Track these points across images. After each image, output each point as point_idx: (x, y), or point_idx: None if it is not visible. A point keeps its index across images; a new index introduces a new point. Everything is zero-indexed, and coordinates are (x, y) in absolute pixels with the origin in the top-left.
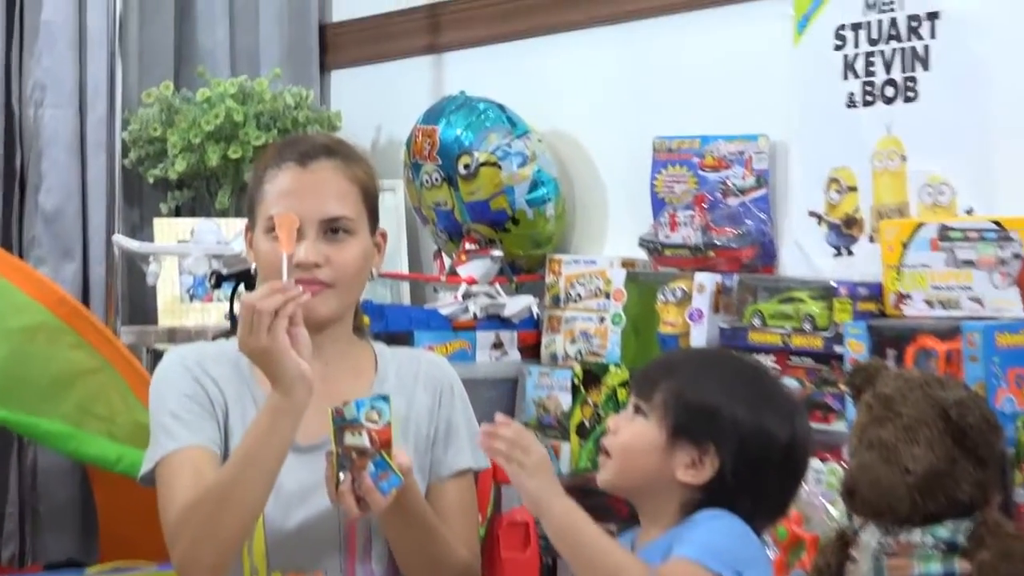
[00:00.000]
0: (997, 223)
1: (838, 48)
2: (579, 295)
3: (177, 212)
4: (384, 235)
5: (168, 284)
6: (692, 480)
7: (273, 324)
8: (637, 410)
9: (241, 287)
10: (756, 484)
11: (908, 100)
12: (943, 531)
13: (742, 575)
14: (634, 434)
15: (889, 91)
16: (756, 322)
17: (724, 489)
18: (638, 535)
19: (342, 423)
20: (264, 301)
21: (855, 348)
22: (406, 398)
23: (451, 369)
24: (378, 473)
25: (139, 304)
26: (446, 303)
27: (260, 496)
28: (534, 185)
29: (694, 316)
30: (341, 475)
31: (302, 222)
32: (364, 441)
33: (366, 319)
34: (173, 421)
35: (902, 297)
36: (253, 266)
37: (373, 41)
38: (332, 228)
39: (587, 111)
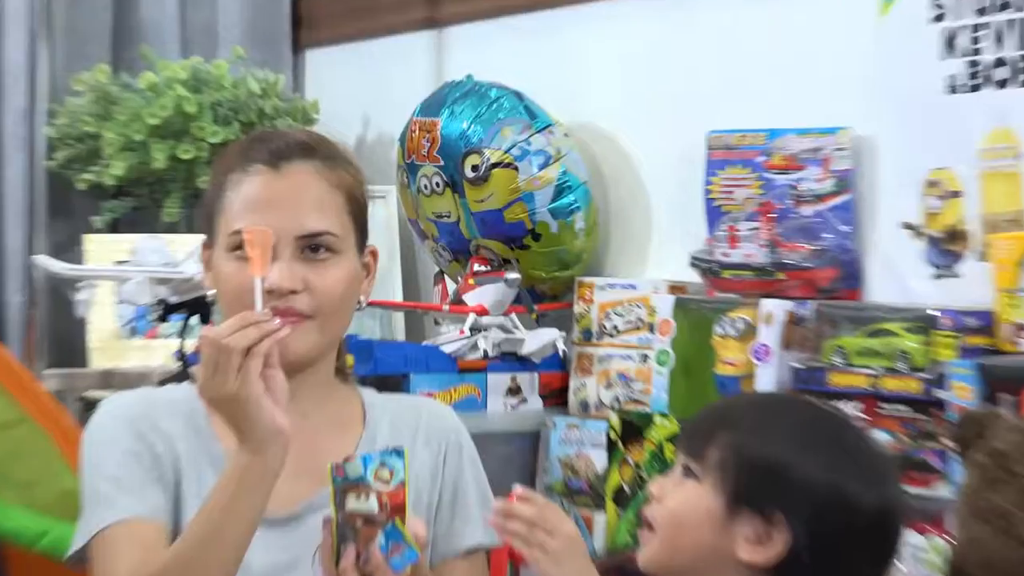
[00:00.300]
0: None
1: (936, 19)
2: (616, 328)
3: (114, 227)
4: (375, 254)
5: (103, 316)
6: (757, 559)
7: (244, 365)
8: (687, 471)
9: (194, 319)
10: (837, 563)
11: None
12: None
13: None
14: (684, 501)
15: (1000, 72)
16: (838, 360)
17: (797, 570)
18: None
19: (345, 483)
20: (233, 337)
21: (961, 393)
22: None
23: (458, 421)
24: (390, 545)
25: (66, 342)
26: (450, 338)
27: (243, 543)
28: (559, 191)
29: (760, 353)
30: (343, 548)
31: (276, 239)
32: (372, 506)
33: (351, 359)
34: (112, 487)
35: (1020, 328)
36: (211, 293)
37: (358, 14)
38: (311, 246)
39: (625, 99)
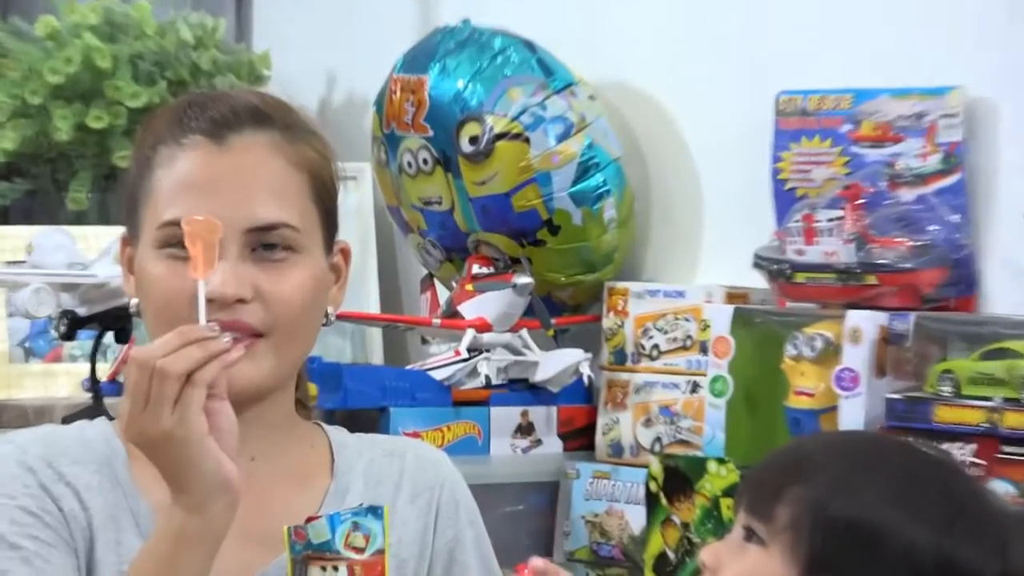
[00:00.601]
0: None
1: None
2: (657, 348)
3: (4, 217)
4: (346, 253)
5: None
6: None
7: (183, 396)
8: (749, 534)
9: (109, 336)
10: None
11: None
12: None
13: None
14: (747, 573)
15: None
16: (946, 389)
17: None
18: None
19: (307, 552)
20: (170, 359)
21: None
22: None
23: (453, 470)
24: None
25: None
26: (442, 361)
27: None
28: (584, 170)
29: (845, 381)
30: None
31: (222, 232)
32: None
33: (314, 388)
34: (7, 553)
35: None
36: (132, 303)
37: None
38: (265, 243)
39: (668, 50)
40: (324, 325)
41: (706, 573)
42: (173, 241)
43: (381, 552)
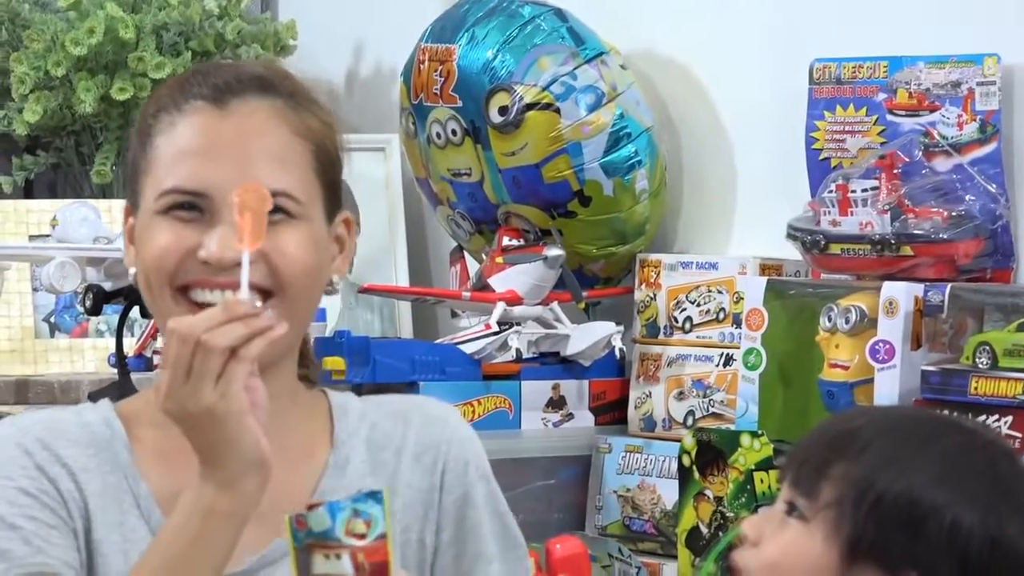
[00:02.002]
0: None
1: None
2: (690, 320)
3: (28, 190)
4: (349, 223)
5: (15, 307)
6: None
7: (228, 371)
8: (791, 509)
9: (135, 310)
10: None
11: None
12: None
13: None
14: (787, 548)
15: None
16: (983, 362)
17: None
18: None
19: (309, 540)
20: (214, 333)
21: None
22: (386, 480)
23: (467, 430)
24: None
25: None
26: (472, 335)
27: None
28: (615, 141)
29: (880, 353)
30: None
31: (214, 194)
32: (345, 568)
33: (340, 362)
34: (8, 533)
35: None
36: (131, 272)
37: None
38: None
39: (700, 20)
40: (328, 293)
41: (747, 545)
42: (174, 206)
43: (383, 537)
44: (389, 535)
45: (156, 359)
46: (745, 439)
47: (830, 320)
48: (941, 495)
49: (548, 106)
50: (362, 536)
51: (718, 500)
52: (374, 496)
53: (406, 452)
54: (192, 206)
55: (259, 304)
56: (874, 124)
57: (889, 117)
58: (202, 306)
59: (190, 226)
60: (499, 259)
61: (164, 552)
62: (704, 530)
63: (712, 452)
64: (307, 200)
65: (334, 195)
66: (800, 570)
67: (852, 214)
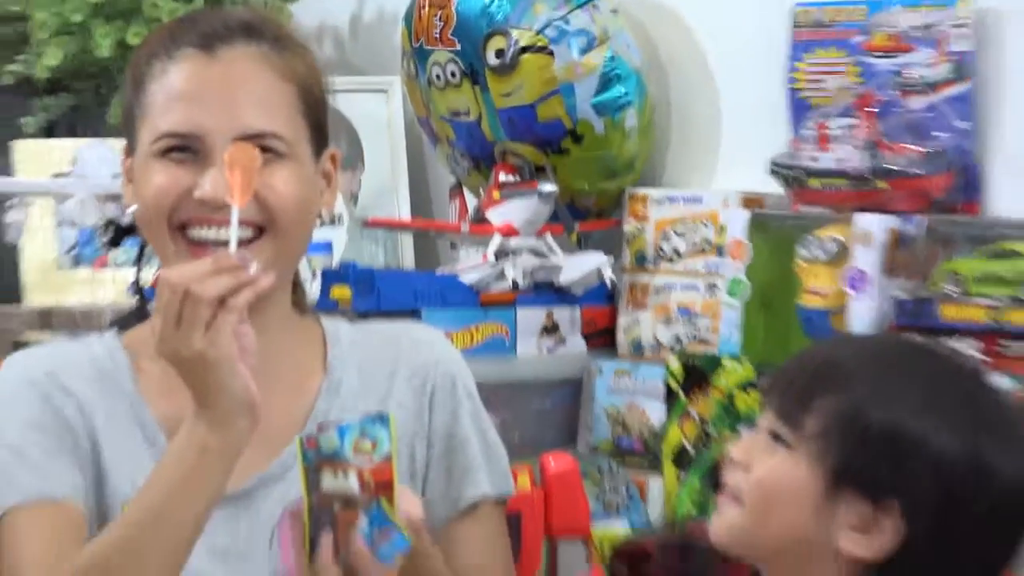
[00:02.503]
0: None
1: None
2: (677, 251)
3: (50, 130)
4: (335, 158)
5: (39, 242)
6: (860, 551)
7: (217, 321)
8: (777, 437)
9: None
10: (959, 557)
11: None
12: None
13: None
14: (775, 473)
15: None
16: (952, 289)
17: (910, 567)
18: None
19: (318, 459)
20: (204, 284)
21: None
22: (378, 397)
23: (452, 351)
24: (375, 532)
25: None
26: (470, 266)
27: (171, 572)
28: (606, 82)
29: (855, 281)
30: (318, 537)
31: (207, 136)
32: (352, 485)
33: (343, 290)
34: (15, 461)
35: None
36: (130, 209)
37: None
38: (256, 143)
39: None
40: (318, 227)
41: (736, 468)
42: (168, 148)
43: (388, 458)
44: (394, 456)
45: None
46: (728, 362)
47: (809, 250)
48: (925, 426)
49: (542, 49)
50: (368, 456)
51: (702, 419)
52: (381, 419)
53: (397, 374)
54: (185, 148)
55: (247, 258)
56: (852, 65)
57: (866, 59)
58: (199, 243)
59: (184, 167)
60: (496, 194)
61: (160, 484)
62: (689, 447)
63: (696, 374)
64: (294, 139)
65: (320, 133)
66: (786, 494)
67: (830, 150)
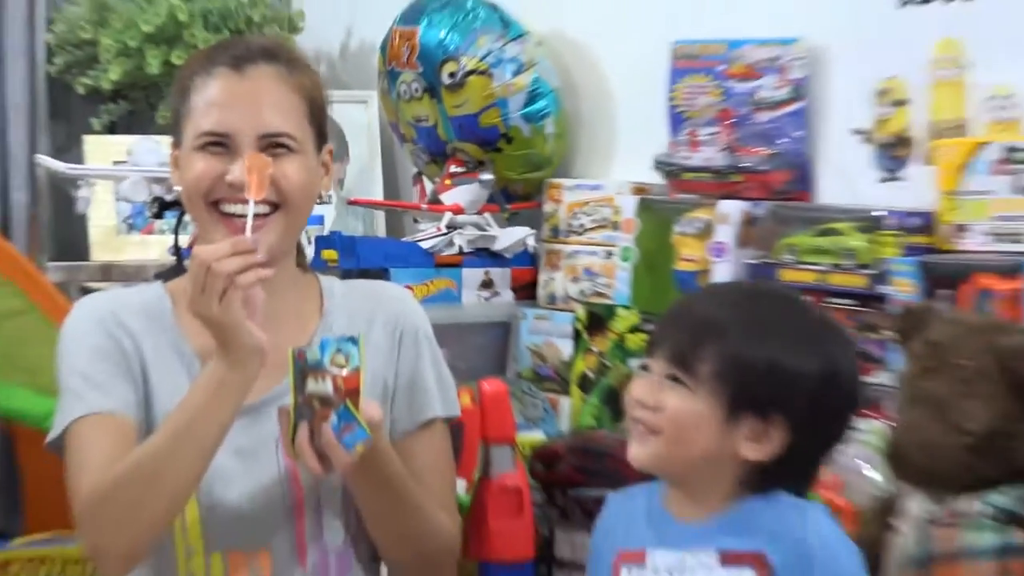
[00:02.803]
0: None
1: None
2: (583, 226)
3: (112, 128)
4: (331, 152)
5: (102, 213)
6: (757, 456)
7: (228, 294)
8: (675, 380)
9: (188, 216)
10: (828, 440)
11: None
12: (1000, 499)
13: None
14: (683, 409)
15: None
16: (788, 258)
17: (794, 456)
18: (666, 504)
19: (304, 368)
20: (221, 263)
21: (903, 288)
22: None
23: (417, 306)
24: (341, 425)
25: (68, 237)
26: (427, 235)
27: (193, 477)
28: (531, 97)
29: (717, 251)
30: (299, 426)
31: (236, 135)
32: (328, 388)
33: (331, 253)
34: (82, 383)
35: (959, 229)
36: (176, 188)
37: None
38: (272, 144)
39: (594, 10)
40: (318, 204)
41: (643, 407)
42: (207, 143)
43: (357, 369)
44: (362, 369)
45: None
46: (620, 311)
47: (682, 227)
48: (790, 354)
49: (484, 72)
50: (342, 367)
51: (600, 354)
52: (353, 340)
53: (375, 322)
54: (220, 143)
55: (258, 243)
56: (716, 88)
57: (726, 83)
58: (228, 215)
59: (218, 157)
60: (447, 181)
61: (190, 406)
62: (590, 375)
63: (597, 320)
64: (301, 138)
65: (321, 133)
66: (694, 425)
67: (699, 151)
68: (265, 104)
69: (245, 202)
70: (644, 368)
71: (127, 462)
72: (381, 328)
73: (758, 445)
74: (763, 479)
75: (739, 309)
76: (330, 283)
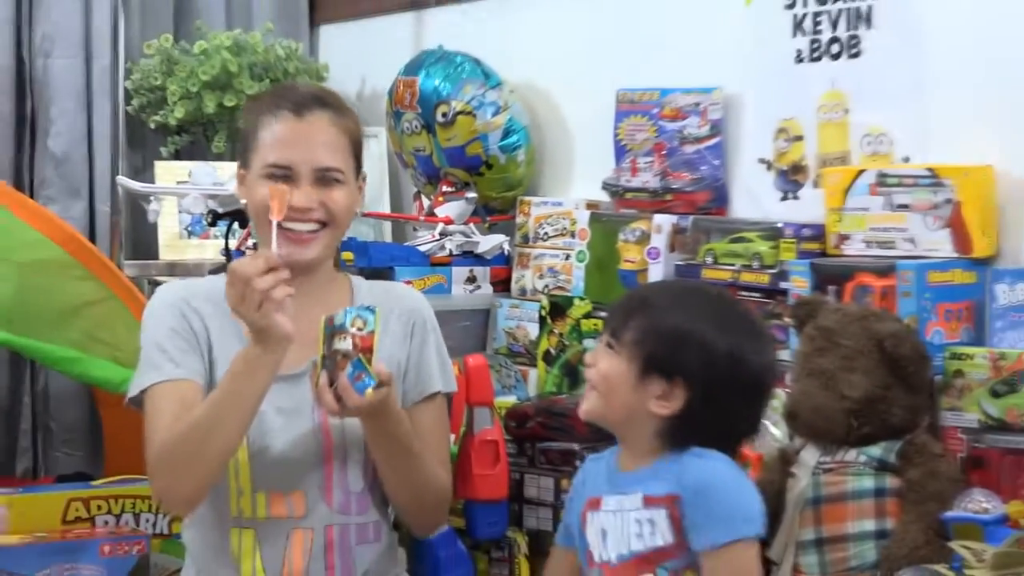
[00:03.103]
0: (931, 170)
1: (788, 7)
2: (547, 234)
3: (176, 155)
4: (365, 178)
5: (168, 222)
6: (663, 411)
7: (264, 305)
8: (609, 346)
9: (235, 225)
10: (727, 408)
11: (852, 56)
12: (876, 451)
13: (759, 526)
14: (610, 367)
15: (834, 48)
16: (709, 260)
17: (696, 417)
18: (617, 459)
19: (332, 330)
20: (258, 280)
21: (799, 284)
22: (380, 328)
23: (426, 302)
24: (354, 373)
25: (141, 240)
26: (424, 241)
27: (236, 432)
28: (506, 133)
29: (652, 254)
30: (323, 375)
31: (297, 168)
32: (348, 345)
33: (351, 255)
34: (159, 354)
35: (843, 238)
36: (243, 202)
37: None
38: (325, 177)
39: (556, 65)
40: (353, 219)
41: (589, 368)
42: (273, 174)
43: (372, 332)
44: (376, 333)
45: (247, 252)
46: (576, 301)
47: (625, 235)
48: (697, 328)
49: (469, 113)
50: (360, 330)
51: (560, 335)
52: (370, 309)
53: (392, 313)
54: (283, 175)
55: (282, 258)
56: (652, 126)
57: (660, 122)
58: (285, 230)
59: (269, 209)
60: (440, 199)
61: (231, 378)
62: (552, 352)
63: (558, 308)
64: (346, 170)
65: (359, 165)
66: (616, 380)
67: (638, 176)
68: (319, 144)
69: (301, 220)
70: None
71: (187, 421)
72: (397, 319)
73: (665, 403)
74: (675, 435)
75: (669, 295)
76: (358, 281)
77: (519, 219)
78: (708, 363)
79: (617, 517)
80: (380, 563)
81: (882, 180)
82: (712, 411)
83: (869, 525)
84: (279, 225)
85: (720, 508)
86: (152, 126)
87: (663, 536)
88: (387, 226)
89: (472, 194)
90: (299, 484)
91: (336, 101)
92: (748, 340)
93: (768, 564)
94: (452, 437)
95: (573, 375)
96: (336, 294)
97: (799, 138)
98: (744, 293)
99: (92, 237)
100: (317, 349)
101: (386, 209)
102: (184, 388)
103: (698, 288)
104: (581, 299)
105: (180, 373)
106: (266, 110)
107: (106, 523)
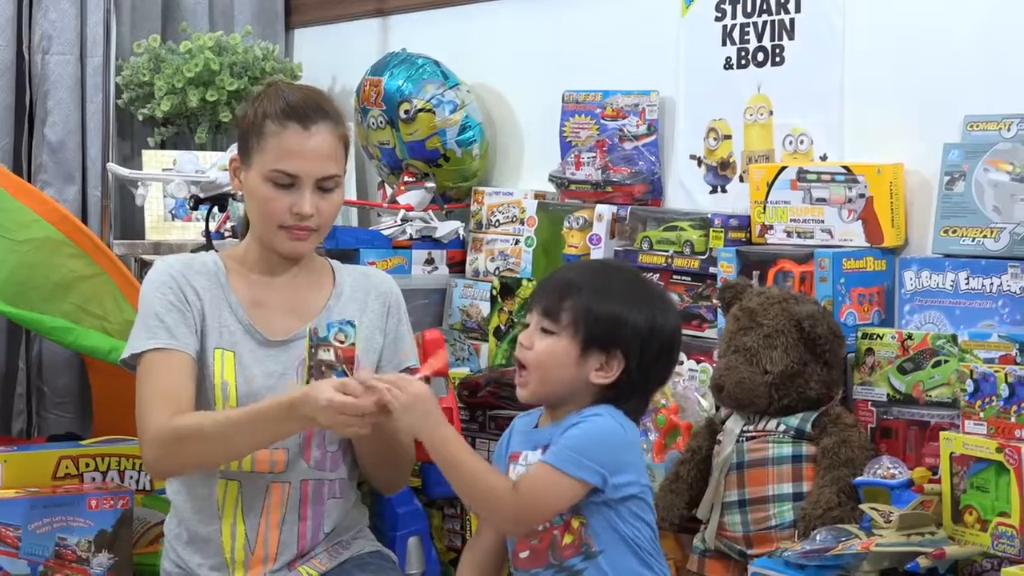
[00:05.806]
0: (846, 168)
1: (718, 19)
2: (498, 221)
3: (162, 145)
4: (345, 171)
5: (154, 205)
6: (603, 381)
7: (336, 430)
8: (544, 331)
9: (215, 209)
10: (652, 372)
11: (776, 64)
12: (794, 421)
13: (607, 479)
14: (548, 351)
15: (760, 56)
16: (645, 246)
17: (628, 385)
18: (539, 418)
19: (316, 341)
20: (345, 428)
21: (726, 269)
22: (359, 306)
23: (395, 284)
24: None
25: (129, 222)
26: (387, 225)
27: (242, 454)
28: (463, 129)
29: (594, 240)
30: (310, 382)
31: (302, 178)
32: (331, 356)
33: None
34: (156, 323)
35: (766, 228)
36: (239, 194)
37: (330, 4)
38: (324, 185)
39: (509, 67)
40: None
41: (523, 349)
42: (278, 180)
43: (352, 345)
44: (357, 345)
45: (226, 233)
46: (524, 282)
47: (569, 223)
48: (625, 308)
49: (429, 110)
50: (342, 343)
51: (510, 312)
52: (350, 322)
53: (370, 295)
54: (288, 181)
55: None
56: (594, 124)
57: (602, 121)
58: (288, 228)
59: (285, 190)
60: (402, 188)
61: (257, 412)
62: (502, 328)
63: (507, 288)
64: (340, 173)
65: (345, 165)
66: (555, 359)
67: (582, 170)
68: (323, 156)
69: (302, 224)
70: (524, 323)
71: (194, 423)
72: (374, 300)
73: (604, 374)
74: (609, 397)
75: (590, 276)
76: (338, 265)
77: (473, 207)
78: (637, 334)
79: (528, 471)
80: (347, 517)
81: (802, 176)
82: (641, 373)
83: (787, 488)
84: (285, 228)
85: (568, 440)
86: (140, 118)
87: None
88: (353, 212)
89: (431, 184)
90: (283, 441)
91: (333, 109)
92: (660, 308)
93: (696, 523)
94: None
95: None
96: (319, 274)
97: (727, 137)
98: (676, 277)
99: (84, 218)
100: (305, 335)
101: (352, 196)
102: (175, 357)
103: (611, 266)
104: (529, 280)
105: (174, 344)
106: (274, 116)
107: (93, 479)
